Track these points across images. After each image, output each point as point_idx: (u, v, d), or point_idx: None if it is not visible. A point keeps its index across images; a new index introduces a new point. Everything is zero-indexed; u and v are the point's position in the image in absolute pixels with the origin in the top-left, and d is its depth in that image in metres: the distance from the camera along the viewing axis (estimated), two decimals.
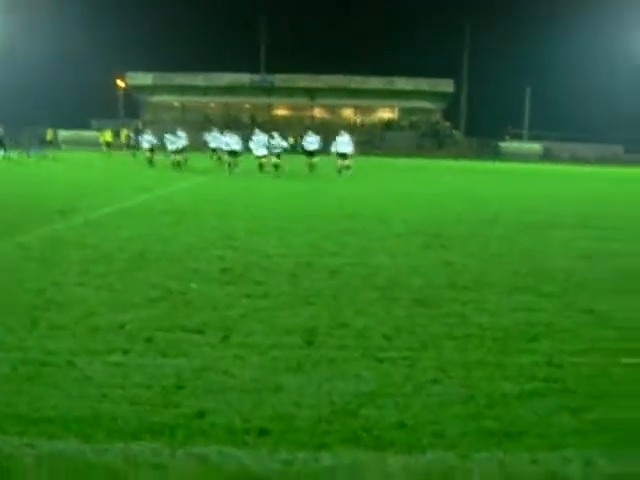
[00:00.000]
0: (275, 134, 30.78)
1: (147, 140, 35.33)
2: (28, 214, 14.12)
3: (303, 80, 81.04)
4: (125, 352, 5.42)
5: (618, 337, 6.10)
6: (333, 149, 30.82)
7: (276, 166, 29.85)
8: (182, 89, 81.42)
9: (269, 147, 29.92)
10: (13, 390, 4.63)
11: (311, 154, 32.16)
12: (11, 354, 5.32)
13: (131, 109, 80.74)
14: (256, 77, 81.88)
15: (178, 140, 33.08)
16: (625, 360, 5.39)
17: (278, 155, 30.10)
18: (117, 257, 9.37)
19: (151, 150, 34.72)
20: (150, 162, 34.45)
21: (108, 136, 49.02)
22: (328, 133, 71.76)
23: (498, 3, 77.30)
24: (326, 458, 3.75)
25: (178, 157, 32.79)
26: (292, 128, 74.13)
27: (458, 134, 79.29)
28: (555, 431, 4.11)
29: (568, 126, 73.11)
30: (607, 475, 3.66)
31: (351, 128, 78.58)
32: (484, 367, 5.23)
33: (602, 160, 65.32)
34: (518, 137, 79.70)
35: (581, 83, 75.51)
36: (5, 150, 41.60)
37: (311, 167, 31.60)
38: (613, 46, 70.85)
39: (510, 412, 4.38)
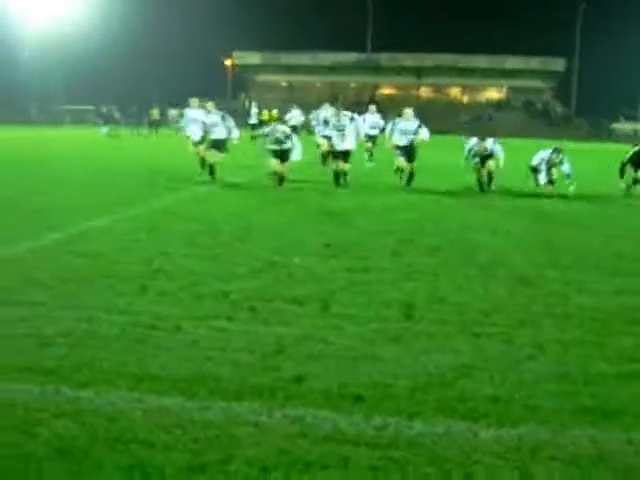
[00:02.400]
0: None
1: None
2: (140, 188, 14.71)
3: (409, 59, 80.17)
4: (229, 319, 5.66)
5: None
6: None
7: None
8: (289, 68, 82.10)
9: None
10: (123, 350, 4.94)
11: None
12: (121, 317, 5.65)
13: (239, 89, 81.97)
14: (362, 56, 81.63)
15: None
16: None
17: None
18: (223, 230, 9.68)
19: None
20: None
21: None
22: (435, 112, 71.46)
23: None
24: (419, 426, 3.84)
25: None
26: (398, 108, 73.70)
27: (569, 114, 76.76)
28: None
29: None
30: None
31: (458, 107, 77.65)
32: (582, 346, 5.20)
33: None
34: (632, 118, 76.38)
35: None
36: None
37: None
38: None
39: (607, 391, 4.34)
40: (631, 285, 7.18)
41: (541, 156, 15.39)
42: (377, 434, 3.73)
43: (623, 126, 72.14)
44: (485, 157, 15.35)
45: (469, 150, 15.66)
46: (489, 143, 15.42)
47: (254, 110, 33.91)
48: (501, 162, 15.43)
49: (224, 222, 10.35)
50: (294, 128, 28.81)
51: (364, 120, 22.58)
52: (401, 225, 10.65)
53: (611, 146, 49.16)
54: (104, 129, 43.43)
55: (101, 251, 8.10)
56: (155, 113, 51.67)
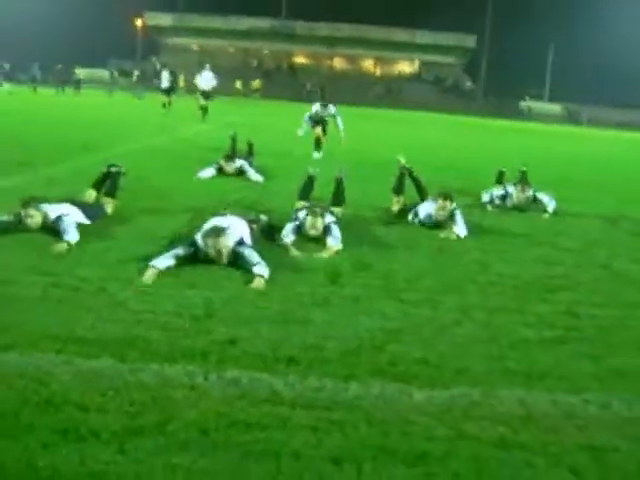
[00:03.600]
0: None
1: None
2: (57, 149, 14.22)
3: (324, 28, 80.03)
4: (154, 282, 5.56)
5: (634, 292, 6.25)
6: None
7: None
8: (201, 32, 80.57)
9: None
10: (47, 312, 4.78)
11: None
12: (43, 278, 5.47)
13: (149, 50, 79.95)
14: (277, 22, 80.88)
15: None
16: None
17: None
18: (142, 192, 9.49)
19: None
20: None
21: None
22: (347, 84, 71.69)
23: None
24: (354, 388, 3.89)
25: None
26: (311, 76, 73.56)
27: (477, 91, 78.41)
28: (574, 375, 4.24)
29: (592, 88, 72.25)
30: (623, 418, 3.79)
31: (371, 80, 78.12)
32: (505, 313, 5.38)
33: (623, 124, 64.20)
34: (538, 97, 78.70)
35: (607, 43, 74.25)
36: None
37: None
38: None
39: (531, 355, 4.51)
40: (547, 255, 7.48)
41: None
42: (314, 396, 3.76)
43: (528, 104, 74.24)
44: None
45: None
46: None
47: (165, 74, 31.84)
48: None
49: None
50: (205, 93, 27.76)
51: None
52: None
53: (517, 124, 50.73)
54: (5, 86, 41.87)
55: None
56: (78, 72, 50.04)
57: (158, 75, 33.98)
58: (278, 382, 3.89)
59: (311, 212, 7.27)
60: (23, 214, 6.77)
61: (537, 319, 5.27)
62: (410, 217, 8.69)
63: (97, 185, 8.32)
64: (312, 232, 7.15)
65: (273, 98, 59.75)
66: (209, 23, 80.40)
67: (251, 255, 6.00)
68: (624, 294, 6.15)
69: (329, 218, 7.33)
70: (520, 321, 5.21)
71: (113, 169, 8.42)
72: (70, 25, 74.50)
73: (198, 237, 6.17)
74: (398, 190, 9.31)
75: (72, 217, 6.96)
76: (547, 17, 76.62)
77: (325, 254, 6.72)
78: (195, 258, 6.09)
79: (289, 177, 11.64)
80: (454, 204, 8.38)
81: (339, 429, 3.44)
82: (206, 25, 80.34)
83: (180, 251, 6.03)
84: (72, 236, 6.56)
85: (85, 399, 3.57)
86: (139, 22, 78.86)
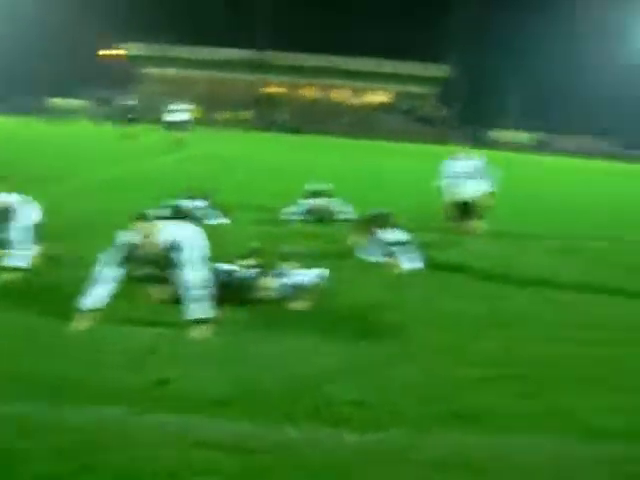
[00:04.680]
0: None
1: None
2: None
3: (296, 58, 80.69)
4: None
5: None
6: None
7: None
8: (174, 62, 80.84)
9: None
10: None
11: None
12: None
13: (126, 80, 79.89)
14: (250, 53, 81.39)
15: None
16: None
17: None
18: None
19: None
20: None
21: None
22: (320, 114, 72.12)
23: None
24: (286, 430, 3.91)
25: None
26: (283, 107, 73.98)
27: (451, 121, 79.18)
28: (507, 415, 4.28)
29: (560, 118, 73.18)
30: (554, 458, 3.84)
31: (343, 109, 78.64)
32: (447, 351, 5.42)
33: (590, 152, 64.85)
34: (509, 127, 79.69)
35: (577, 73, 75.48)
36: None
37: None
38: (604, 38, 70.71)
39: (466, 396, 4.54)
40: (495, 289, 7.57)
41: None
42: (244, 440, 3.76)
43: (500, 134, 75.12)
44: None
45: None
46: None
47: (131, 103, 32.24)
48: None
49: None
50: (174, 124, 27.70)
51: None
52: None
53: (491, 153, 51.12)
54: None
55: None
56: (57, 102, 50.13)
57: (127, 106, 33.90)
58: (208, 425, 3.90)
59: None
60: None
61: (475, 357, 5.32)
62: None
63: None
64: None
65: (246, 129, 59.87)
66: (184, 53, 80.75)
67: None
68: (565, 329, 6.23)
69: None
70: (459, 359, 5.26)
71: None
72: (44, 55, 74.35)
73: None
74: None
75: None
76: (518, 47, 77.80)
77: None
78: (129, 262, 5.66)
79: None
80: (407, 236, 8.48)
81: (267, 474, 3.46)
82: (179, 55, 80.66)
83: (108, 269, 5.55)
84: None
85: (8, 444, 3.56)
86: (116, 52, 79.03)
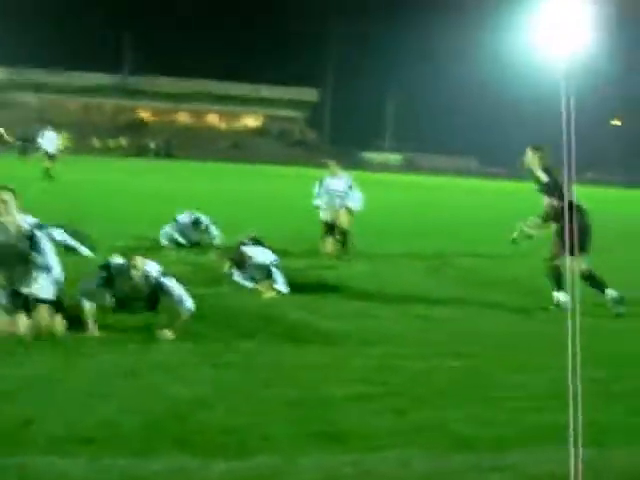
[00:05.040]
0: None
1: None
2: None
3: (166, 83, 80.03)
4: None
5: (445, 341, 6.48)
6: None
7: None
8: (39, 87, 78.25)
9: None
10: None
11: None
12: None
13: None
14: (118, 78, 80.00)
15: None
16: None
17: None
18: None
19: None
20: None
21: None
22: (193, 139, 71.65)
23: (363, 15, 78.94)
24: (151, 464, 3.75)
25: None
26: (155, 132, 73.07)
27: (321, 143, 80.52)
28: (377, 433, 4.27)
29: (428, 138, 75.72)
30: (423, 474, 3.86)
31: (216, 134, 78.52)
32: (317, 370, 5.39)
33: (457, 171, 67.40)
34: (380, 148, 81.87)
35: (441, 96, 78.32)
36: None
37: None
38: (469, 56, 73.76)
39: (336, 415, 4.51)
40: (367, 308, 7.65)
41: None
42: (105, 477, 3.58)
43: (371, 155, 77.05)
44: None
45: None
46: None
47: None
48: None
49: None
50: (49, 155, 26.42)
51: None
52: None
53: (362, 174, 52.22)
54: None
55: None
56: None
57: None
58: (69, 465, 3.69)
59: None
60: None
61: (348, 375, 5.33)
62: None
63: None
64: None
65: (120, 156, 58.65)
66: (48, 78, 78.27)
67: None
68: (436, 345, 6.35)
69: None
70: (331, 377, 5.24)
71: None
72: None
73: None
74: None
75: None
76: (385, 69, 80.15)
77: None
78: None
79: None
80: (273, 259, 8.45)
81: None
82: (45, 80, 78.17)
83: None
84: None
85: None
86: None
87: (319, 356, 5.77)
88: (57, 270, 5.99)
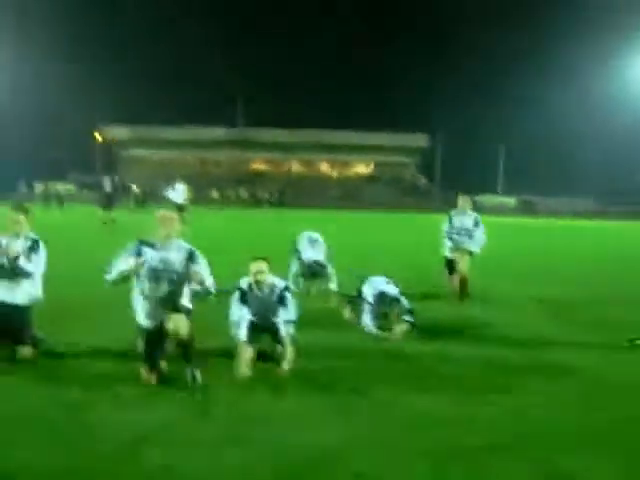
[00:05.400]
0: None
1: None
2: None
3: (279, 134, 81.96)
4: (91, 405, 5.39)
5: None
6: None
7: None
8: (159, 143, 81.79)
9: None
10: None
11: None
12: None
13: (108, 163, 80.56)
14: (233, 131, 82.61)
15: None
16: None
17: None
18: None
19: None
20: None
21: None
22: (305, 187, 72.85)
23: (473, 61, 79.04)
24: None
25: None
26: (269, 182, 74.77)
27: (433, 188, 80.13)
28: None
29: (542, 181, 74.37)
30: None
31: (327, 182, 79.54)
32: (452, 419, 5.27)
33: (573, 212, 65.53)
34: (493, 191, 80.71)
35: (558, 136, 77.04)
36: None
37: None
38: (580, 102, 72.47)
39: (475, 466, 4.39)
40: (495, 353, 7.43)
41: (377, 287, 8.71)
42: None
43: (485, 198, 75.97)
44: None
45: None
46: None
47: (107, 184, 30.54)
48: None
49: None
50: (178, 205, 26.27)
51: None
52: None
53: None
54: None
55: None
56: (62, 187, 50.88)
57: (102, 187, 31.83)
58: None
59: None
60: None
61: (480, 424, 5.18)
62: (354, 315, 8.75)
63: None
64: None
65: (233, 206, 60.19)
66: (166, 134, 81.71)
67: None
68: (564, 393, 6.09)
69: None
70: (463, 427, 5.11)
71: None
72: (27, 139, 75.43)
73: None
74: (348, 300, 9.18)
75: None
76: (498, 112, 79.60)
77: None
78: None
79: None
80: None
81: None
82: (163, 136, 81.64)
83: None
84: None
85: None
86: (97, 135, 79.81)
87: (448, 405, 5.63)
88: None
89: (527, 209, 70.52)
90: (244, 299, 6.83)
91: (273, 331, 6.72)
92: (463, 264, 11.14)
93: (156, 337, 6.19)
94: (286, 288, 6.99)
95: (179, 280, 6.27)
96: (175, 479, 4.12)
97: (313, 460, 4.41)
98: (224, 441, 4.73)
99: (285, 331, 6.73)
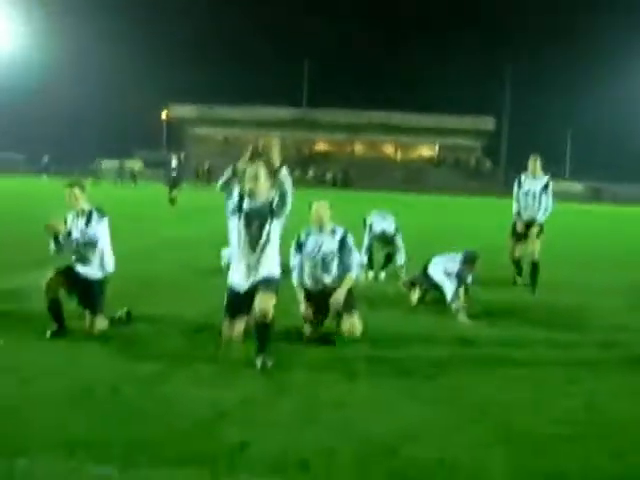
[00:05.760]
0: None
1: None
2: None
3: (343, 115, 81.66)
4: (168, 381, 5.53)
5: None
6: None
7: None
8: (224, 122, 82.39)
9: None
10: (60, 414, 4.75)
11: None
12: (58, 379, 5.47)
13: (174, 141, 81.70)
14: (298, 111, 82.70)
15: None
16: None
17: None
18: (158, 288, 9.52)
19: None
20: None
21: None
22: (369, 169, 72.60)
23: (540, 45, 77.43)
24: None
25: None
26: (332, 163, 74.73)
27: (498, 172, 78.93)
28: (596, 475, 4.12)
29: (610, 166, 72.62)
30: None
31: (391, 164, 79.08)
32: (525, 408, 5.24)
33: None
34: (559, 176, 79.12)
35: (624, 122, 75.02)
36: None
37: None
38: None
39: (550, 454, 4.37)
40: (569, 339, 7.35)
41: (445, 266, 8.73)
42: None
43: (554, 185, 74.47)
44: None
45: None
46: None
47: (174, 162, 30.07)
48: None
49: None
50: None
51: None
52: None
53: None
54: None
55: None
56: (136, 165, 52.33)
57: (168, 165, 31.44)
58: None
59: None
60: None
61: (554, 413, 5.15)
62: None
63: None
64: None
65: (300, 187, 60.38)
66: (232, 114, 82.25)
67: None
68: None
69: None
70: (537, 414, 5.09)
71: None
72: (95, 117, 77.05)
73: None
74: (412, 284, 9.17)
75: None
76: (564, 96, 77.95)
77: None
78: None
79: None
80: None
81: None
82: (229, 115, 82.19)
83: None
84: None
85: None
86: (164, 113, 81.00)
87: (522, 394, 5.60)
88: None
89: (595, 195, 68.89)
90: (300, 248, 7.29)
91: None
92: (533, 244, 10.76)
93: (243, 297, 6.36)
94: (346, 232, 7.30)
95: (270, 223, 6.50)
96: (253, 457, 4.18)
97: (391, 445, 4.43)
98: (301, 422, 4.78)
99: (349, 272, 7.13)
